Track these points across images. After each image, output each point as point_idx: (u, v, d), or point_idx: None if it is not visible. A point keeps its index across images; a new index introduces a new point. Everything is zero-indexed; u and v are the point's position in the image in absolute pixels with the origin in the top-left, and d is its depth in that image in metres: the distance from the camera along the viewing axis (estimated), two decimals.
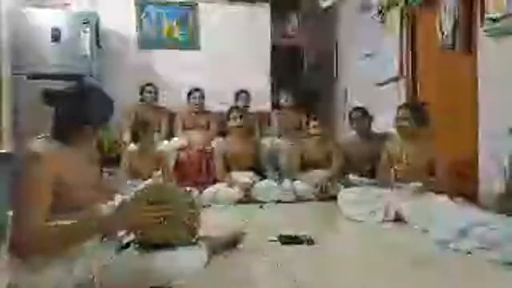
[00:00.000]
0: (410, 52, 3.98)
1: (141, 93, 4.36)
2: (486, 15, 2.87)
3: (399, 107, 3.00)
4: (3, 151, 3.15)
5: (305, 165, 3.83)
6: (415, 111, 2.90)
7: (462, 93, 3.23)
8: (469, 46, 3.10)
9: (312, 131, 3.80)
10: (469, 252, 1.93)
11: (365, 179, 3.50)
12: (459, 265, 1.87)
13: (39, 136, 1.36)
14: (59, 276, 1.27)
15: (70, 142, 1.40)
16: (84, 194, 1.39)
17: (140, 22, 4.89)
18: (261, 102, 4.99)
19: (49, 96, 1.39)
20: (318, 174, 3.67)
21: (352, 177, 3.68)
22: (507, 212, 2.00)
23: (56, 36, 3.87)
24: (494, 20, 2.79)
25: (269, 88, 5.22)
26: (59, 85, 1.47)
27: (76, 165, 1.40)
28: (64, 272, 1.28)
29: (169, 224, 1.53)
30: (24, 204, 1.21)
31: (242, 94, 4.66)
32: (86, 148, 1.48)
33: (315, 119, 3.88)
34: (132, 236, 1.53)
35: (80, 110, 1.39)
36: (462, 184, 3.00)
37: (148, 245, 1.48)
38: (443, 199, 2.56)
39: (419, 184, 2.74)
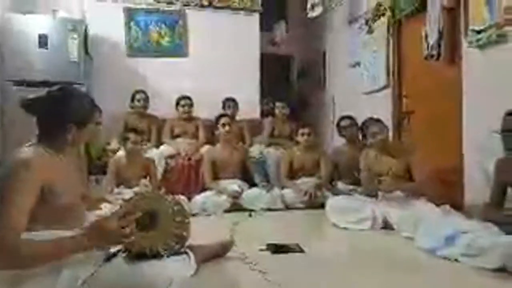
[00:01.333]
0: (396, 62, 4.05)
1: (132, 100, 4.33)
2: (469, 27, 2.95)
3: (363, 124, 3.04)
4: None
5: (294, 173, 3.84)
6: (382, 125, 2.95)
7: (447, 102, 3.29)
8: (453, 56, 3.18)
9: (301, 138, 3.82)
10: (456, 259, 1.95)
11: (353, 187, 3.53)
12: (446, 272, 1.89)
13: (28, 144, 1.35)
14: (44, 286, 1.24)
15: (58, 146, 1.39)
16: (71, 201, 1.37)
17: (128, 29, 4.88)
18: (250, 110, 5.00)
19: (25, 105, 1.38)
20: (307, 182, 3.69)
21: (340, 185, 3.70)
22: (493, 220, 2.04)
23: (43, 42, 3.83)
24: (478, 32, 2.86)
25: (258, 96, 5.24)
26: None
27: (64, 172, 1.38)
28: (50, 282, 1.26)
29: (157, 232, 1.52)
30: (6, 213, 1.18)
31: (230, 101, 4.67)
32: (74, 153, 1.47)
33: (304, 126, 3.91)
34: (120, 246, 1.51)
35: (59, 112, 1.38)
36: (448, 192, 3.05)
37: (136, 254, 1.46)
38: (429, 206, 2.60)
39: (401, 193, 2.78)
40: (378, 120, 3.02)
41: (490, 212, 2.16)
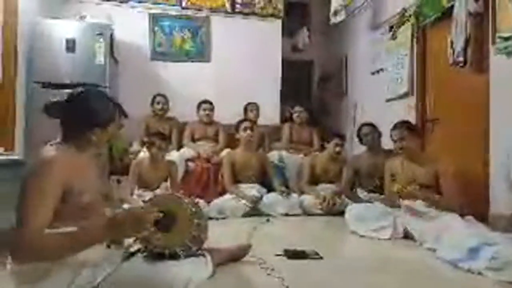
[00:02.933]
0: (420, 69, 3.98)
1: (152, 103, 4.41)
2: (497, 34, 2.87)
3: (393, 128, 2.93)
4: (16, 157, 3.19)
5: (316, 179, 3.82)
6: (411, 129, 2.87)
7: (473, 110, 3.20)
8: (480, 63, 3.09)
9: (332, 148, 3.78)
10: (479, 273, 1.89)
11: (374, 195, 3.47)
12: (469, 286, 1.83)
13: (51, 143, 1.39)
14: (64, 283, 1.27)
15: (81, 146, 1.42)
16: (92, 200, 1.40)
17: (153, 34, 4.98)
18: (270, 116, 5.02)
19: (47, 109, 1.41)
20: (326, 189, 3.65)
21: (360, 192, 3.65)
22: None
23: (70, 46, 3.95)
24: (506, 39, 2.79)
25: (279, 101, 5.24)
26: None
27: (86, 171, 1.41)
28: (69, 280, 1.28)
29: (176, 234, 1.53)
30: (31, 212, 1.21)
31: (252, 106, 4.69)
32: (97, 153, 1.49)
33: (339, 137, 3.87)
34: (139, 245, 1.53)
35: (82, 114, 1.41)
36: (472, 203, 2.96)
37: (154, 255, 1.48)
38: (452, 217, 2.52)
39: (425, 202, 2.68)
40: (406, 123, 2.94)
41: None
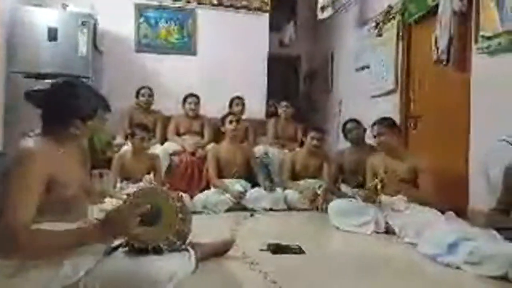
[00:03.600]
0: (405, 66, 4.03)
1: (137, 96, 4.34)
2: (480, 33, 2.92)
3: (373, 124, 3.00)
4: None
5: (296, 175, 3.83)
6: (391, 126, 2.92)
7: (455, 108, 3.27)
8: (463, 62, 3.14)
9: (309, 142, 3.78)
10: (458, 267, 1.93)
11: (357, 190, 3.50)
12: (448, 280, 1.87)
13: (31, 134, 1.35)
14: (46, 277, 1.25)
15: (61, 139, 1.39)
16: (74, 193, 1.37)
17: (138, 25, 4.90)
18: (256, 110, 5.01)
19: (29, 97, 1.38)
20: (310, 184, 3.67)
21: (344, 188, 3.68)
22: (497, 227, 2.01)
23: (52, 35, 3.85)
24: (488, 38, 2.84)
25: (264, 96, 5.23)
26: None
27: (67, 163, 1.38)
28: (51, 274, 1.26)
29: (159, 228, 1.52)
30: (11, 203, 1.19)
31: (238, 100, 4.67)
32: (78, 145, 1.46)
33: (316, 130, 3.87)
34: (121, 240, 1.51)
35: (65, 105, 1.38)
36: (453, 198, 3.02)
37: (136, 249, 1.47)
38: (433, 213, 2.57)
39: (404, 197, 2.74)
40: (385, 119, 2.98)
41: (495, 219, 2.13)
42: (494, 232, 1.99)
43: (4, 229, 1.16)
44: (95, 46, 4.14)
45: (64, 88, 1.41)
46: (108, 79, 4.53)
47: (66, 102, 1.38)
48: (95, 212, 1.71)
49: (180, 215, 1.60)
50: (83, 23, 3.94)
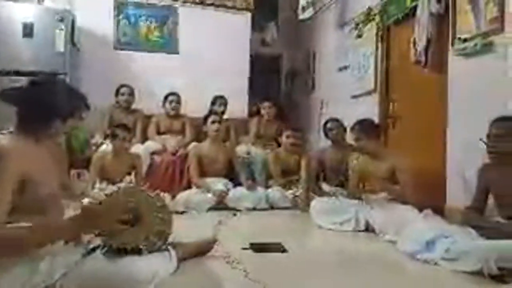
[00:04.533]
0: (384, 67, 4.09)
1: (116, 94, 4.26)
2: (456, 35, 3.00)
3: (352, 127, 3.05)
4: None
5: (282, 174, 3.83)
6: (367, 128, 2.96)
7: (433, 109, 3.34)
8: (440, 63, 3.22)
9: (285, 141, 3.81)
10: (435, 263, 1.98)
11: (338, 189, 3.54)
12: (425, 276, 1.91)
13: (3, 131, 1.31)
14: (21, 277, 1.22)
15: (38, 137, 1.35)
16: (50, 193, 1.33)
17: (117, 23, 4.81)
18: (238, 109, 4.99)
19: (6, 95, 1.34)
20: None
21: (325, 186, 3.72)
22: (472, 225, 2.07)
23: (28, 31, 3.74)
24: (464, 40, 2.91)
25: (246, 95, 5.23)
26: None
27: (43, 162, 1.35)
28: (26, 274, 1.23)
29: (139, 228, 1.49)
30: None
31: (220, 99, 4.64)
32: (54, 144, 1.43)
33: (289, 129, 3.89)
34: (99, 241, 1.48)
35: (45, 104, 1.35)
36: (431, 197, 3.09)
37: (115, 250, 1.44)
38: (411, 211, 2.63)
39: (385, 195, 2.80)
40: (361, 123, 3.03)
41: (471, 216, 2.19)
42: (470, 229, 2.04)
43: None
44: (72, 43, 4.05)
45: (43, 86, 1.37)
46: (85, 76, 4.43)
47: (45, 101, 1.35)
48: (72, 213, 1.67)
49: (160, 215, 1.58)
50: (60, 19, 3.84)
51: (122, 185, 3.07)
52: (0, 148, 1.22)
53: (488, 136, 2.13)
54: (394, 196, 2.78)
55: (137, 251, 1.45)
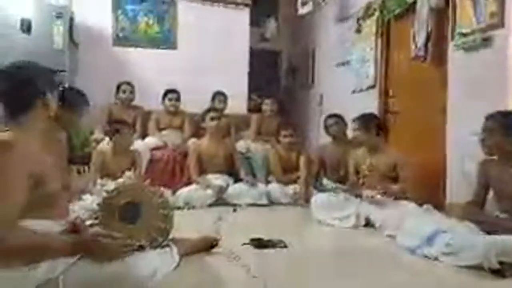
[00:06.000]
0: (384, 62, 4.08)
1: (117, 91, 4.25)
2: (456, 30, 2.99)
3: (352, 120, 3.06)
4: None
5: (284, 172, 3.83)
6: (367, 122, 2.96)
7: (433, 104, 3.33)
8: (440, 58, 3.21)
9: (283, 140, 3.81)
10: (436, 258, 1.98)
11: (338, 185, 3.55)
12: (425, 270, 1.92)
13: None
14: (22, 274, 1.22)
15: (25, 125, 1.33)
16: (51, 189, 1.33)
17: (116, 18, 4.78)
18: (238, 105, 4.98)
19: None
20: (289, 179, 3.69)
21: (326, 182, 3.72)
22: (473, 219, 2.08)
23: (26, 27, 3.71)
24: (464, 35, 2.91)
25: (246, 91, 5.21)
26: None
27: (48, 158, 1.35)
28: (27, 271, 1.23)
29: (140, 225, 1.50)
30: None
31: (220, 95, 4.63)
32: (54, 137, 1.42)
33: (286, 128, 3.89)
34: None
35: (23, 84, 1.34)
36: (431, 192, 3.10)
37: None
38: (411, 206, 2.63)
39: (385, 191, 2.79)
40: (364, 116, 3.03)
41: (471, 211, 2.20)
42: (470, 224, 2.05)
43: None
44: (71, 39, 4.03)
45: (14, 67, 1.36)
46: (84, 73, 4.41)
47: (19, 79, 1.34)
48: (75, 208, 1.68)
49: (161, 211, 1.58)
50: (59, 15, 3.82)
51: (122, 180, 3.08)
52: (7, 145, 1.22)
53: (483, 130, 2.13)
54: (393, 196, 2.76)
55: (139, 247, 1.45)
